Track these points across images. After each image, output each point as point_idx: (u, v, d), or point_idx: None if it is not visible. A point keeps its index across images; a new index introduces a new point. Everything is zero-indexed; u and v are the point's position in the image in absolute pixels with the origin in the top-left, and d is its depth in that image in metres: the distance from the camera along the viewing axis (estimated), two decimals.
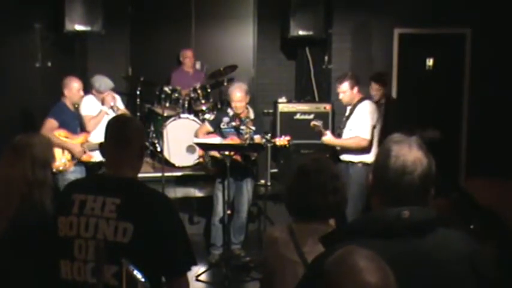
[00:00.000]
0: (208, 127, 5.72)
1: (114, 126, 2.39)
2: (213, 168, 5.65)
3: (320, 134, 5.33)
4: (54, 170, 4.71)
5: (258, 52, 8.35)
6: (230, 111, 5.56)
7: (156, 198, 2.33)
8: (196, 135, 5.73)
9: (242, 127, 5.44)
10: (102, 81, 6.00)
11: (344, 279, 1.36)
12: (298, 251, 2.34)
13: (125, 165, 2.31)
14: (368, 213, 1.78)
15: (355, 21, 7.68)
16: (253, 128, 5.42)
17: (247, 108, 5.59)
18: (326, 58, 7.78)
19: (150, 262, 2.15)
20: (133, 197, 2.25)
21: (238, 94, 5.44)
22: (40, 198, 2.63)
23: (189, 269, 2.31)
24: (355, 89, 5.20)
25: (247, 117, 5.53)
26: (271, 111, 7.57)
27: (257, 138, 5.40)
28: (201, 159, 5.83)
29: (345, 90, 5.20)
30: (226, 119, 5.58)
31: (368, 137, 5.05)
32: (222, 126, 5.59)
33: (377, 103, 5.88)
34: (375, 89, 6.19)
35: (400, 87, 7.73)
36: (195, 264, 2.33)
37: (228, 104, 5.84)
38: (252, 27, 8.41)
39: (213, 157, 5.50)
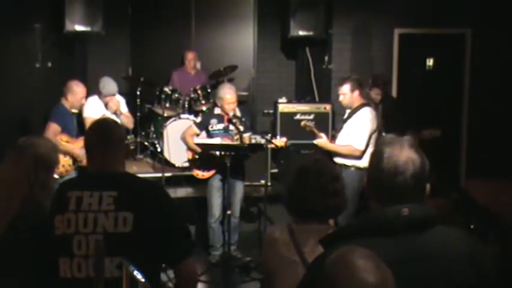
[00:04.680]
0: (195, 129, 5.57)
1: (103, 127, 2.50)
2: (195, 167, 5.60)
3: (313, 134, 5.31)
4: (56, 175, 4.69)
5: (258, 52, 8.35)
6: (218, 112, 5.48)
7: (151, 187, 2.41)
8: (183, 138, 5.60)
9: (231, 127, 5.43)
10: (106, 85, 5.98)
11: (343, 279, 1.37)
12: (298, 251, 2.34)
13: (116, 162, 2.40)
14: (368, 212, 1.79)
15: (355, 21, 7.68)
16: (242, 127, 5.40)
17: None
18: (326, 58, 7.78)
19: (152, 250, 2.21)
20: (129, 188, 2.32)
21: (229, 96, 5.41)
22: (41, 200, 2.62)
23: (191, 252, 2.36)
24: (356, 93, 5.15)
25: (236, 116, 5.50)
26: (271, 111, 7.57)
27: (246, 137, 5.38)
28: (190, 156, 5.72)
29: (346, 93, 5.17)
30: (214, 121, 5.50)
31: (362, 147, 4.99)
32: (210, 129, 5.51)
33: (377, 104, 5.90)
34: (376, 93, 6.17)
35: (400, 87, 7.74)
36: (194, 247, 2.42)
37: (216, 105, 5.75)
38: (252, 27, 8.41)
39: (209, 156, 5.45)
